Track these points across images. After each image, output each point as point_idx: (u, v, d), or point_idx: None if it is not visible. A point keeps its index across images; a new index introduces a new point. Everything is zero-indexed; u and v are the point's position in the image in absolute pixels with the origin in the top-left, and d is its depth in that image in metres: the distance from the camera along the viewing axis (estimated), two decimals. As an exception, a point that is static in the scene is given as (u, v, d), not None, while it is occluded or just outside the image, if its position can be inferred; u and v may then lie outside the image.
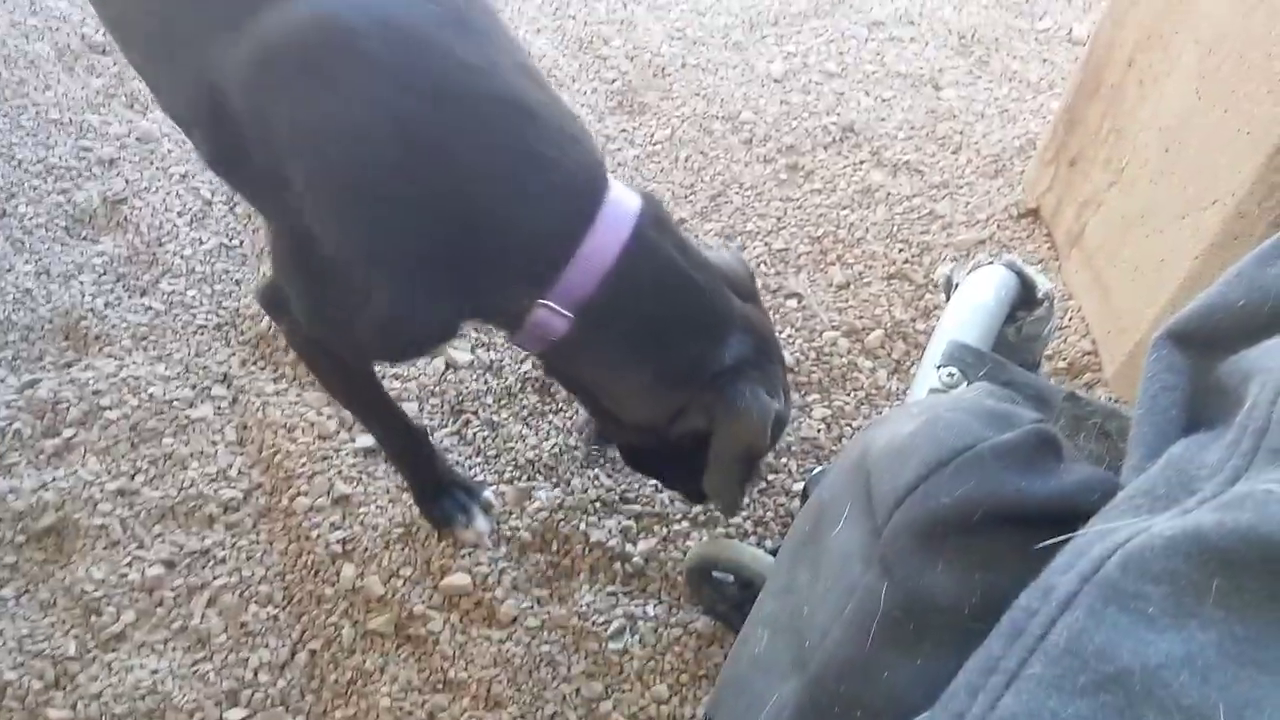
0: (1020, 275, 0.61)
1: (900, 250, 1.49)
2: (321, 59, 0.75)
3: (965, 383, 0.52)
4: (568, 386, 1.00)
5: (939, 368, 0.52)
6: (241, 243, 1.47)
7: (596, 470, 1.23)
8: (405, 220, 0.78)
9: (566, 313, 0.82)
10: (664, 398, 0.88)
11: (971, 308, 0.57)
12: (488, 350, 1.35)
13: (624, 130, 1.67)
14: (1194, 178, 1.12)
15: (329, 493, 1.20)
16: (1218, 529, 0.30)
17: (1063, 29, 1.82)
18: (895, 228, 1.52)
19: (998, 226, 1.51)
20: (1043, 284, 0.61)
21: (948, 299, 0.61)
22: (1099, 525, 0.34)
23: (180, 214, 1.49)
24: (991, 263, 0.62)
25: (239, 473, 1.23)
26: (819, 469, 1.18)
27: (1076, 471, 0.38)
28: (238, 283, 1.43)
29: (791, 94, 1.74)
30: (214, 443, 1.26)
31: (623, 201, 0.84)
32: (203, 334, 1.36)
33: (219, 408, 1.29)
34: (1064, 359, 1.35)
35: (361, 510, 1.19)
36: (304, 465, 1.22)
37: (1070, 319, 1.39)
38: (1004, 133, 1.65)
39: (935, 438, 0.38)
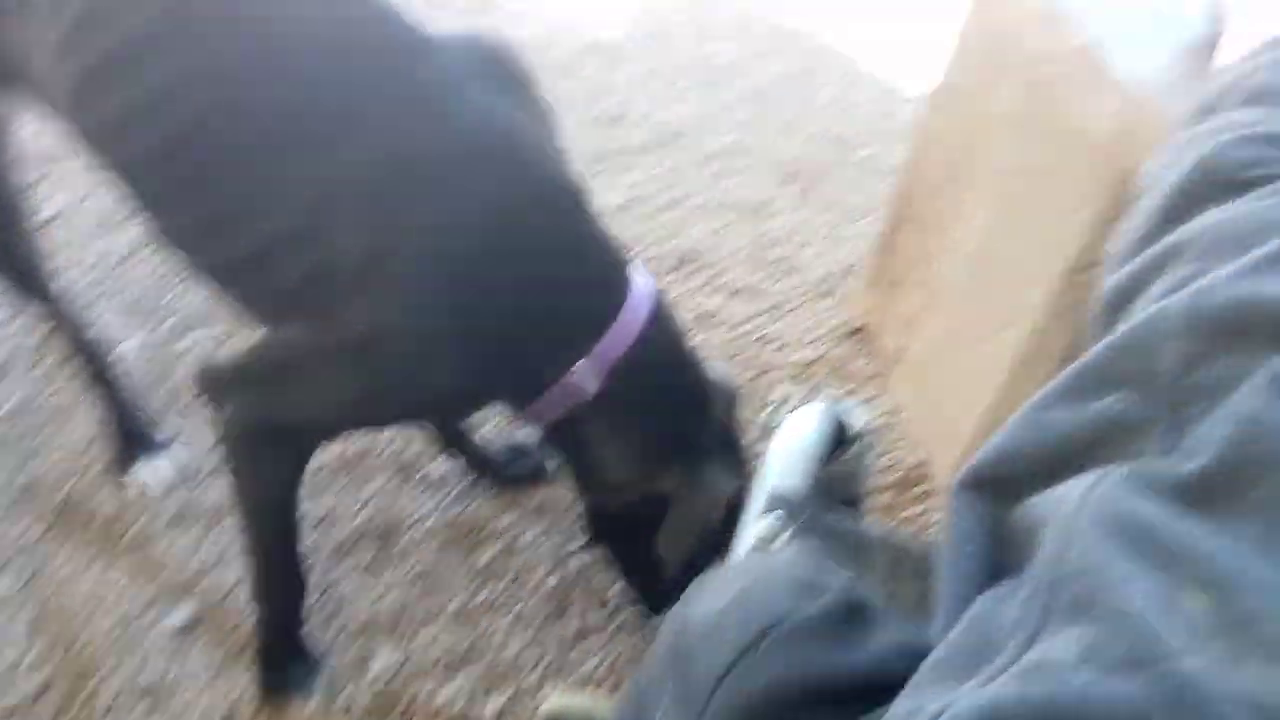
0: (836, 414, 0.62)
1: (741, 370, 1.52)
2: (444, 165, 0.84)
3: (787, 531, 0.51)
4: (568, 448, 1.03)
5: (761, 517, 0.51)
6: (48, 399, 1.36)
7: (433, 630, 1.16)
8: (484, 304, 0.86)
9: (598, 375, 0.91)
10: (650, 458, 0.97)
11: (790, 452, 0.57)
12: (317, 500, 1.27)
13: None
14: (998, 299, 1.20)
15: (134, 683, 1.08)
16: (1018, 703, 0.30)
17: (878, 159, 1.96)
18: (735, 350, 1.55)
19: (829, 345, 1.57)
20: (857, 421, 0.62)
21: (769, 443, 0.61)
22: (906, 703, 0.32)
23: (-24, 373, 1.37)
24: (811, 401, 0.63)
25: (29, 667, 1.09)
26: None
27: (886, 637, 0.37)
28: (40, 446, 1.31)
29: (630, 224, 1.78)
30: (8, 625, 1.12)
31: (641, 280, 0.95)
32: (3, 496, 1.23)
33: (17, 585, 1.16)
34: (898, 471, 1.38)
35: (173, 701, 1.07)
36: (106, 653, 1.10)
37: (901, 432, 1.44)
38: (831, 256, 1.73)
39: (744, 617, 0.36)
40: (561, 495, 1.32)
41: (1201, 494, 0.37)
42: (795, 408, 0.63)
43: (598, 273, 0.93)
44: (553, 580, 1.23)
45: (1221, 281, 0.44)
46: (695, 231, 1.76)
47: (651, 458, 0.97)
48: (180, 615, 1.14)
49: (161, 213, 0.92)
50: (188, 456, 1.30)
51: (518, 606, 1.20)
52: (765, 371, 1.52)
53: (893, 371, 1.50)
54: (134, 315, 1.48)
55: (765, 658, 0.34)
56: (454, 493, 1.32)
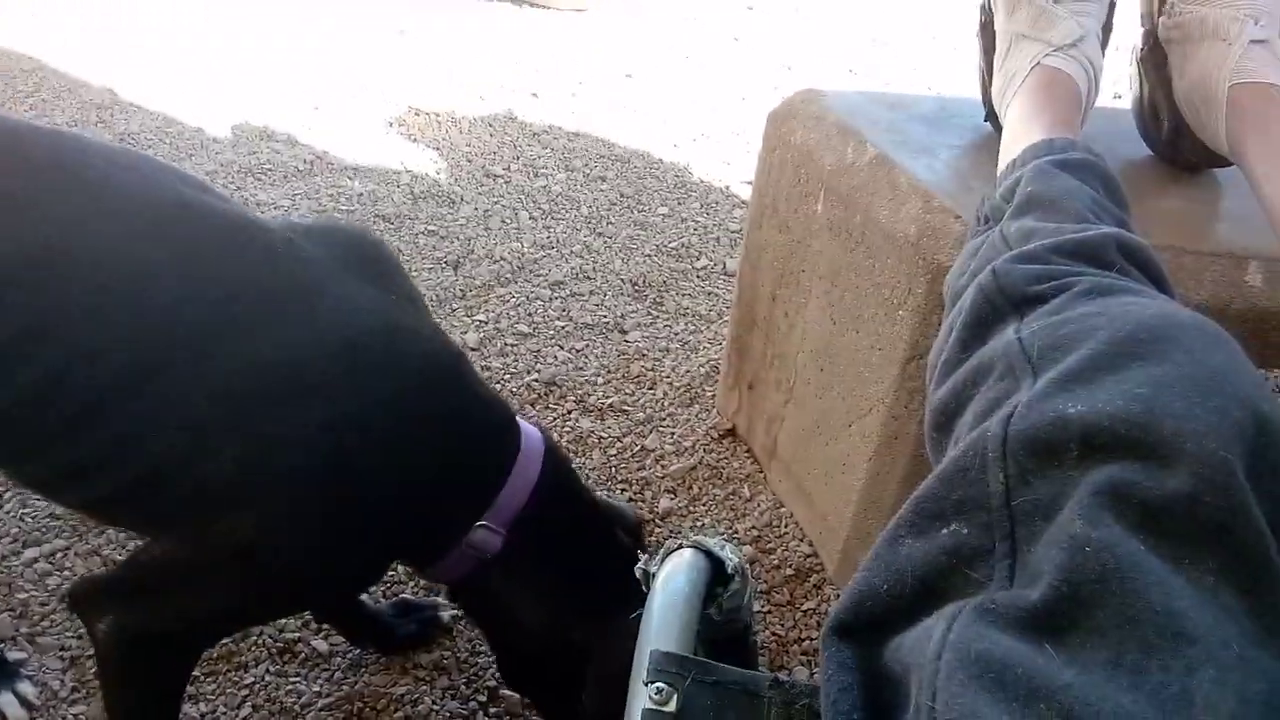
0: (708, 554, 0.64)
1: (623, 490, 1.54)
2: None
3: (676, 694, 0.52)
4: (476, 609, 1.04)
5: (646, 684, 0.52)
6: None
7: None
8: (375, 487, 0.86)
9: (500, 530, 0.92)
10: (562, 609, 0.97)
11: (668, 605, 0.58)
12: (194, 704, 1.19)
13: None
14: (849, 390, 1.27)
15: None
16: None
17: (718, 265, 2.05)
18: (613, 469, 1.57)
19: (704, 451, 1.61)
20: (730, 559, 0.64)
21: (647, 591, 0.63)
22: None
23: None
24: (680, 546, 0.65)
25: None
26: None
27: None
28: None
29: (490, 359, 1.79)
30: None
31: (529, 431, 0.97)
32: None
33: None
34: (790, 565, 1.42)
35: None
36: None
37: (786, 525, 1.48)
38: (690, 363, 1.79)
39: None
40: (458, 648, 1.29)
41: (1048, 623, 0.38)
42: (669, 554, 0.64)
43: (486, 435, 0.94)
44: (460, 743, 1.18)
45: (1025, 406, 0.47)
46: (556, 357, 1.79)
47: (563, 609, 0.96)
48: None
49: (20, 467, 0.88)
50: (42, 682, 1.20)
51: (427, 778, 1.15)
52: (646, 486, 1.54)
53: (768, 468, 1.55)
54: (-33, 533, 1.37)
55: None
56: (342, 667, 1.26)
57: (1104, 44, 1.07)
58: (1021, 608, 0.40)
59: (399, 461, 0.86)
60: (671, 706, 0.51)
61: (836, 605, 0.46)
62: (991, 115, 1.17)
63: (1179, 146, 1.10)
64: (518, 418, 0.98)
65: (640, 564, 0.64)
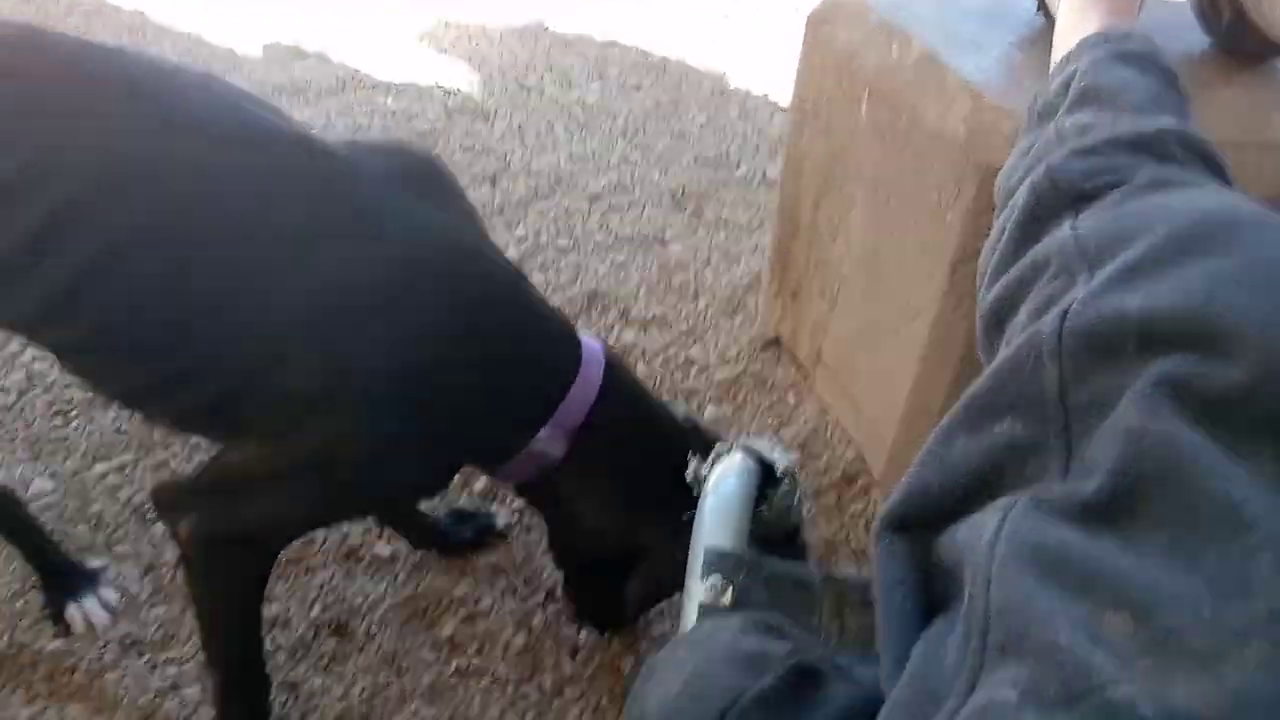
0: (759, 457, 0.65)
1: (670, 399, 1.56)
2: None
3: (731, 587, 0.54)
4: (543, 504, 1.09)
5: (702, 578, 0.54)
6: (-39, 554, 1.31)
7: (410, 709, 1.16)
8: (443, 398, 0.89)
9: (564, 436, 0.96)
10: (624, 514, 1.01)
11: (720, 506, 0.60)
12: (266, 605, 1.26)
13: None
14: (895, 296, 1.26)
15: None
16: None
17: (757, 173, 2.03)
18: (658, 381, 1.59)
19: (748, 360, 1.62)
20: (780, 461, 0.66)
21: (697, 496, 0.64)
22: None
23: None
24: (731, 450, 0.66)
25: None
26: (640, 669, 1.17)
27: (837, 697, 0.40)
28: (-38, 602, 1.26)
29: (531, 273, 1.80)
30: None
31: (591, 343, 1.00)
32: (-72, 671, 1.18)
33: (-40, 757, 1.11)
34: (837, 470, 1.44)
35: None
36: (76, 798, 1.07)
37: (832, 431, 1.49)
38: (731, 274, 1.79)
39: (700, 702, 0.38)
40: (514, 551, 1.34)
41: (1105, 514, 0.38)
42: (719, 457, 0.66)
43: (547, 346, 0.97)
44: (520, 639, 1.24)
45: (1081, 303, 0.47)
46: (597, 270, 1.80)
47: (626, 513, 1.01)
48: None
49: (111, 382, 0.92)
50: (121, 587, 1.27)
51: (490, 671, 1.21)
52: (691, 396, 1.56)
53: (813, 375, 1.56)
54: (38, 454, 1.43)
55: None
56: (404, 570, 1.32)
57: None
58: (1077, 499, 0.40)
59: (466, 373, 0.89)
60: (727, 600, 0.54)
61: (888, 501, 0.46)
62: (1043, 6, 1.13)
63: (1239, 36, 1.05)
64: (578, 331, 1.01)
65: (691, 468, 0.66)
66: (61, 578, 1.24)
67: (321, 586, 1.29)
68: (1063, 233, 0.54)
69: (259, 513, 0.91)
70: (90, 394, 1.50)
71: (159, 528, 1.33)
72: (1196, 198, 0.51)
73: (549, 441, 0.96)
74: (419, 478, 0.97)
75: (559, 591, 1.28)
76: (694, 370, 1.61)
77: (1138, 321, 0.43)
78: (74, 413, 1.49)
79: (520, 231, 1.88)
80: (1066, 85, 0.74)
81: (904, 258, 1.22)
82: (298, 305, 0.83)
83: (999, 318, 0.58)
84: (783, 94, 2.41)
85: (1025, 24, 1.19)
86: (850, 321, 1.40)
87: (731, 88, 2.35)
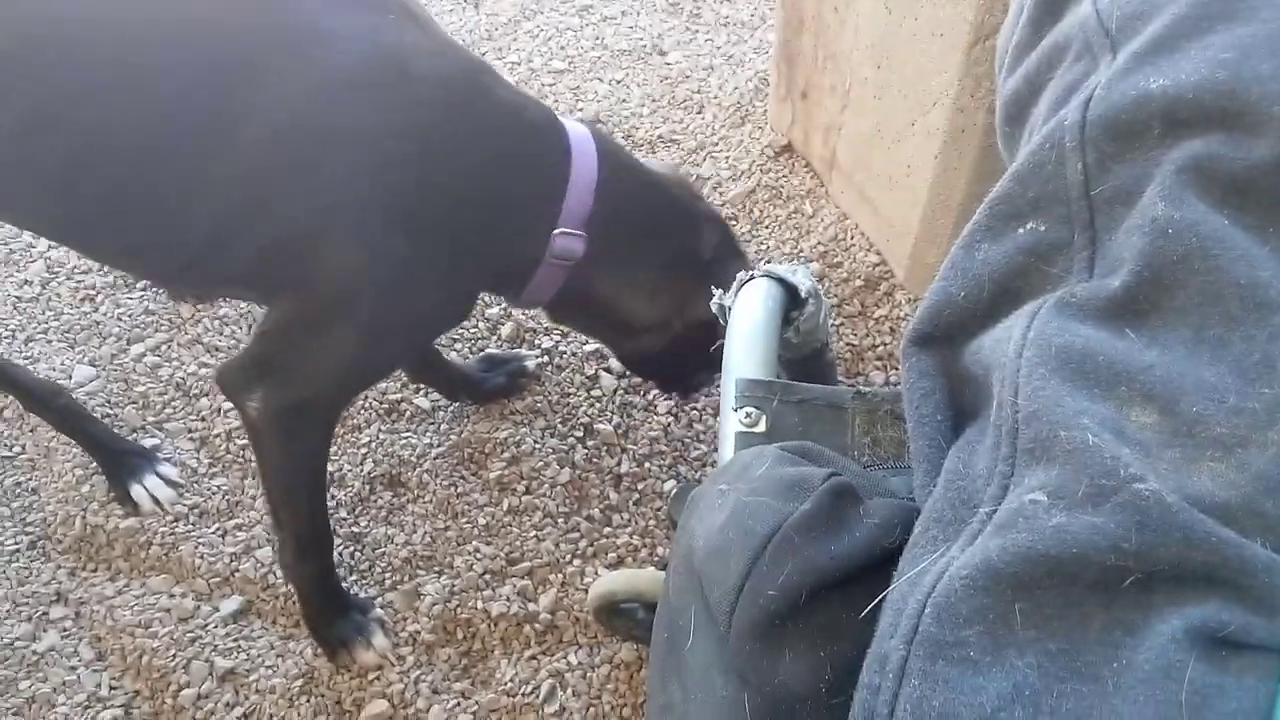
0: (781, 281, 0.64)
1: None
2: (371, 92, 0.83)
3: (765, 416, 0.54)
4: (582, 319, 1.09)
5: (735, 409, 0.54)
6: (23, 448, 1.36)
7: (469, 549, 1.22)
8: (438, 214, 0.87)
9: (579, 232, 0.93)
10: (672, 289, 1.00)
11: (747, 334, 0.60)
12: (324, 466, 1.30)
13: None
14: (910, 86, 1.20)
15: (211, 673, 1.14)
16: (1002, 556, 0.33)
17: (756, -39, 1.89)
18: (671, 202, 1.55)
19: (761, 171, 1.57)
20: (803, 283, 0.64)
21: (724, 324, 0.64)
22: (907, 572, 0.36)
23: (-58, 445, 1.36)
24: (753, 277, 0.65)
25: (110, 689, 1.15)
26: (677, 489, 1.21)
27: (876, 512, 0.40)
28: (34, 491, 1.31)
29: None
30: (73, 668, 1.17)
31: (577, 128, 0.94)
32: (18, 559, 1.25)
33: (64, 630, 1.20)
34: (859, 276, 1.42)
35: (251, 679, 1.14)
36: (174, 656, 1.15)
37: (852, 237, 1.46)
38: (736, 79, 1.70)
39: (744, 530, 0.39)
40: (548, 392, 1.36)
41: (1130, 309, 0.38)
42: (743, 285, 0.65)
43: (534, 137, 0.92)
44: (565, 474, 1.28)
45: (1104, 87, 0.44)
46: (597, 91, 1.72)
47: (669, 285, 1.00)
48: (230, 605, 1.19)
49: (88, 238, 0.93)
50: (179, 462, 1.32)
51: (540, 508, 1.26)
52: (705, 214, 1.53)
53: (829, 181, 1.51)
54: (73, 342, 1.45)
55: (773, 564, 0.38)
56: (446, 420, 1.35)
57: None
58: (1102, 296, 0.40)
59: (450, 186, 0.86)
60: (761, 427, 0.54)
61: (914, 317, 0.46)
62: None
63: None
64: (558, 114, 0.95)
65: (715, 298, 0.65)
66: (120, 460, 1.29)
67: (369, 443, 1.33)
68: (1084, 9, 0.50)
69: (309, 375, 0.93)
70: (111, 277, 1.51)
71: (205, 401, 1.37)
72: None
73: (566, 241, 0.93)
74: (438, 305, 0.95)
75: (596, 427, 1.31)
76: (706, 187, 1.57)
77: (1161, 103, 0.41)
78: (99, 297, 1.50)
79: (513, 57, 1.80)
80: None
81: (917, 41, 1.15)
82: (262, 142, 0.80)
83: (1020, 106, 0.55)
84: None
85: None
86: (864, 118, 1.34)
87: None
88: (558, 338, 1.42)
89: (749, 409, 0.54)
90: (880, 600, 0.36)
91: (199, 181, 0.82)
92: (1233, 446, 0.34)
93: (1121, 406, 0.36)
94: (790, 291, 0.64)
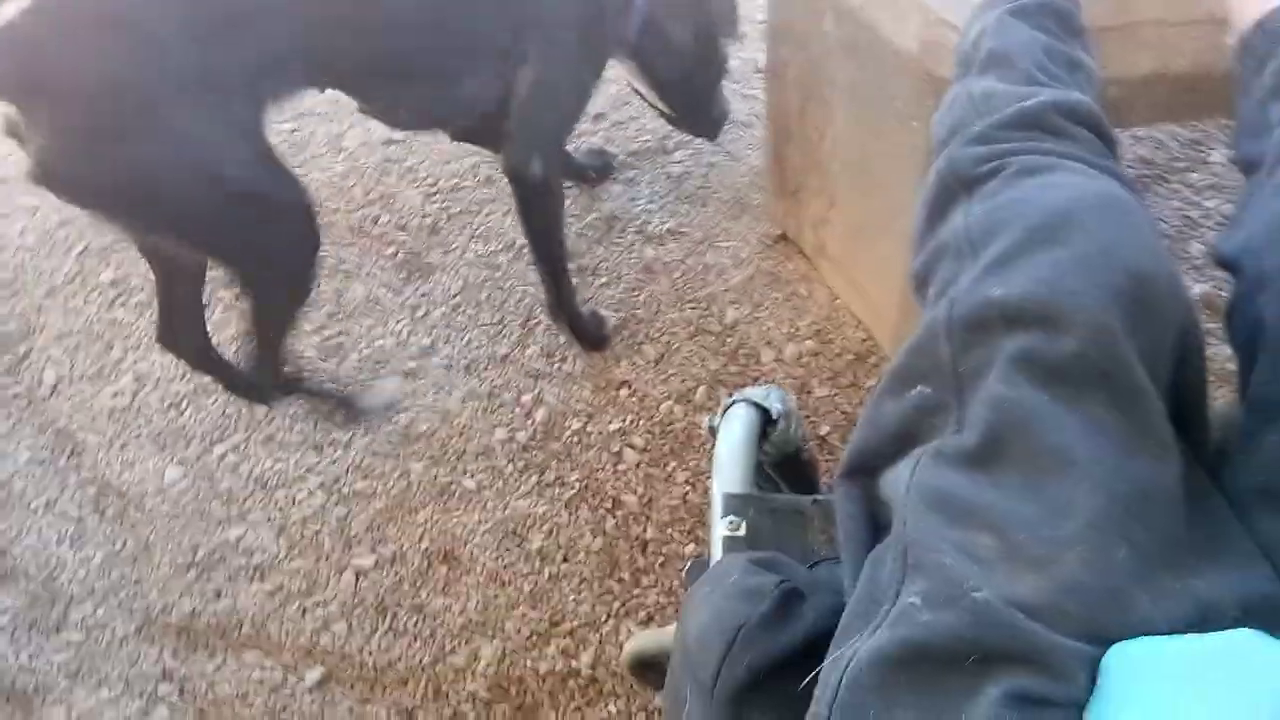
0: (757, 405, 0.81)
1: (693, 309, 1.71)
2: None
3: (744, 523, 0.71)
4: (649, 49, 1.62)
5: (722, 518, 0.72)
6: (125, 543, 1.56)
7: (522, 609, 1.40)
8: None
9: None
10: (691, 17, 1.63)
11: (729, 453, 0.77)
12: (386, 545, 1.49)
13: (423, 295, 1.82)
14: (884, 193, 1.38)
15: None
16: (891, 643, 0.48)
17: (749, 64, 2.09)
18: (680, 291, 1.74)
19: (759, 259, 1.76)
20: (774, 406, 0.81)
21: (714, 443, 0.81)
22: (834, 654, 0.53)
23: (58, 542, 1.56)
24: (735, 402, 0.82)
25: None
26: (691, 563, 1.38)
27: (816, 608, 0.57)
28: (137, 582, 1.51)
29: (552, 203, 1.93)
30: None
31: None
32: (128, 643, 1.45)
33: (172, 704, 1.38)
34: (850, 352, 1.59)
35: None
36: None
37: (844, 316, 1.64)
38: (734, 174, 1.90)
39: (720, 628, 0.56)
40: (579, 466, 1.54)
41: (979, 460, 0.53)
42: (728, 409, 0.82)
43: None
44: (597, 543, 1.45)
45: (965, 291, 0.62)
46: (610, 191, 1.92)
47: (689, 16, 1.61)
48: (313, 675, 1.37)
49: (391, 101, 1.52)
50: (261, 549, 1.51)
51: (577, 574, 1.43)
52: (713, 301, 1.71)
53: (821, 265, 1.69)
54: (163, 445, 1.66)
55: (738, 655, 0.54)
56: (491, 497, 1.53)
57: None
58: (963, 450, 0.57)
59: None
60: (742, 532, 0.71)
61: (843, 456, 0.63)
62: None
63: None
64: None
65: (706, 422, 0.83)
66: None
67: (425, 522, 1.52)
68: (956, 220, 0.68)
69: (555, 122, 1.50)
70: (193, 384, 1.71)
71: (282, 493, 1.56)
72: (1051, 187, 0.64)
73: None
74: (603, 44, 1.52)
75: (621, 498, 1.48)
76: (711, 275, 1.75)
77: (1000, 307, 0.58)
78: (184, 404, 1.71)
79: (534, 165, 2.00)
80: (977, 41, 0.85)
81: (884, 159, 1.33)
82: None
83: (921, 283, 0.73)
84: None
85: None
86: (848, 217, 1.52)
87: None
88: (589, 419, 1.60)
89: (732, 517, 0.71)
90: (816, 675, 0.53)
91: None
92: (1044, 564, 0.50)
93: (971, 535, 0.52)
94: (765, 413, 0.82)
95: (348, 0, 1.30)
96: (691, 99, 1.76)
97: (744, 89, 2.05)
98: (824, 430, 1.50)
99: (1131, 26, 1.08)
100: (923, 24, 1.15)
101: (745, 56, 2.12)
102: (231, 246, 1.32)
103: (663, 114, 1.82)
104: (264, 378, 1.52)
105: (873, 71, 1.27)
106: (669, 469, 1.53)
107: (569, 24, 1.42)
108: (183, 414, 1.70)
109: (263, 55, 1.24)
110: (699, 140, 1.98)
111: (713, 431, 0.83)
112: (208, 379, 1.64)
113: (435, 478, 1.56)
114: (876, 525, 0.62)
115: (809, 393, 1.56)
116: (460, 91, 1.45)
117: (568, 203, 1.92)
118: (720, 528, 0.72)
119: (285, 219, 1.32)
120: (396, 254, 1.90)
